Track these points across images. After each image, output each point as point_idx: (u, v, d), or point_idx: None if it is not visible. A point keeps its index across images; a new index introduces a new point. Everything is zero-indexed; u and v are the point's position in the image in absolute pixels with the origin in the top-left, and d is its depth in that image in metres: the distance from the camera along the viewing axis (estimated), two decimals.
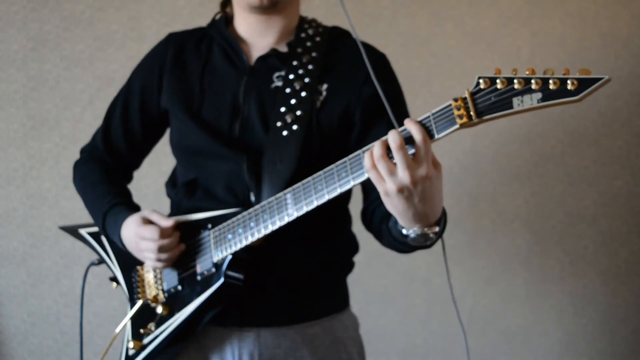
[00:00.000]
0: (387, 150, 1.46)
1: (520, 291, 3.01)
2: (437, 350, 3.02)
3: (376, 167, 1.47)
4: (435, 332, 3.01)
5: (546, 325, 3.00)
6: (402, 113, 1.94)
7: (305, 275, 1.83)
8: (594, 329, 2.99)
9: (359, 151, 1.54)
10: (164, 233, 1.83)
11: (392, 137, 1.44)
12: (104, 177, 2.04)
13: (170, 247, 1.84)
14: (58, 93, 3.01)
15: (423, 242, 1.58)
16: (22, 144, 3.02)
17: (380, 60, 1.96)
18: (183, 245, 1.87)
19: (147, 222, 1.86)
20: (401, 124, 1.49)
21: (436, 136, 1.42)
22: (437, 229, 1.57)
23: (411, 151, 1.46)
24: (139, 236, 1.84)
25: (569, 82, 1.24)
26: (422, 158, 1.45)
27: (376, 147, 1.47)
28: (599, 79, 1.22)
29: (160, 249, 1.83)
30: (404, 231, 1.59)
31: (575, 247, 2.97)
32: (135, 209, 1.98)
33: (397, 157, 1.43)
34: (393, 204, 1.50)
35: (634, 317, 2.97)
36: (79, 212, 2.96)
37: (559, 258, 2.98)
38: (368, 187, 1.91)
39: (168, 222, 1.85)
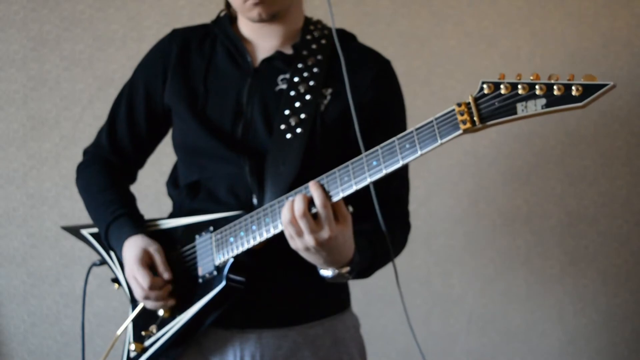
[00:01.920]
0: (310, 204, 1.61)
1: (520, 291, 3.01)
2: (437, 350, 3.02)
3: (293, 224, 1.60)
4: (435, 332, 3.01)
5: (546, 325, 3.00)
6: (399, 124, 1.96)
7: (306, 276, 1.82)
8: (594, 329, 2.99)
9: (362, 155, 1.55)
10: (154, 284, 1.83)
11: (297, 205, 1.59)
12: (108, 181, 2.03)
13: (157, 299, 1.84)
14: (58, 93, 3.00)
15: (341, 280, 1.73)
16: (22, 144, 3.02)
17: (384, 67, 1.96)
18: (172, 301, 1.86)
19: (148, 260, 1.86)
20: (396, 134, 1.51)
21: (439, 141, 1.42)
22: (347, 269, 1.70)
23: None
24: (132, 274, 1.84)
25: (573, 88, 1.24)
26: (324, 222, 1.59)
27: (297, 205, 1.60)
28: (604, 85, 1.21)
29: (146, 297, 1.84)
30: (320, 272, 1.73)
31: (575, 247, 2.97)
32: (140, 220, 1.97)
33: (302, 224, 1.58)
34: (303, 256, 1.67)
35: (634, 317, 2.97)
36: (79, 212, 2.95)
37: (559, 258, 2.98)
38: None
39: (165, 275, 1.85)
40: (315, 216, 1.59)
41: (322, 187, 1.59)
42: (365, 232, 1.78)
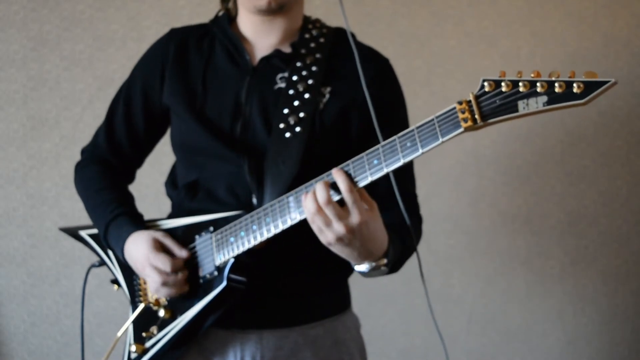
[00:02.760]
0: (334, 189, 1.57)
1: (520, 291, 3.01)
2: (437, 350, 3.00)
3: (319, 214, 1.55)
4: (435, 332, 3.00)
5: (546, 325, 3.00)
6: (400, 121, 1.95)
7: (307, 276, 1.83)
8: (594, 329, 2.99)
9: (362, 154, 1.54)
10: (175, 265, 1.80)
11: (319, 194, 1.54)
12: (106, 181, 2.02)
13: (175, 284, 1.81)
14: (58, 93, 3.00)
15: (378, 274, 1.69)
16: (22, 144, 3.01)
17: (384, 65, 1.96)
18: (187, 287, 1.84)
19: (160, 246, 1.84)
20: (398, 131, 1.51)
21: (440, 139, 1.41)
22: (385, 260, 1.66)
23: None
24: (150, 262, 1.81)
25: (574, 85, 1.23)
26: (352, 207, 1.53)
27: (319, 193, 1.55)
28: (605, 82, 1.21)
29: (165, 284, 1.81)
30: (356, 268, 1.68)
31: (575, 247, 2.98)
32: (139, 219, 1.96)
33: (328, 212, 1.53)
34: (336, 250, 1.60)
35: (634, 317, 2.97)
36: (78, 213, 2.95)
37: (559, 258, 2.99)
38: None
39: (182, 253, 1.83)
40: (342, 203, 1.55)
41: (345, 172, 1.55)
42: (388, 225, 1.74)
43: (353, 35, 1.99)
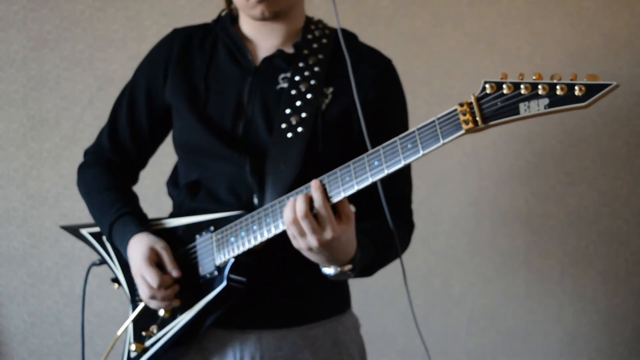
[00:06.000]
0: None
1: (520, 291, 3.01)
2: (437, 350, 3.01)
3: (295, 224, 1.59)
4: (435, 332, 3.01)
5: (546, 325, 3.00)
6: (400, 123, 1.95)
7: (307, 277, 1.82)
8: (594, 329, 2.99)
9: (363, 155, 1.55)
10: (163, 282, 1.81)
11: (299, 206, 1.58)
12: (110, 182, 2.01)
13: (163, 299, 1.82)
14: (58, 93, 3.00)
15: (343, 278, 1.72)
16: (22, 144, 3.01)
17: (386, 67, 1.95)
18: (177, 302, 1.85)
19: (155, 258, 1.84)
20: (398, 133, 1.51)
21: (441, 141, 1.41)
22: (350, 266, 1.68)
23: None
24: (140, 273, 1.82)
25: (576, 88, 1.23)
26: (325, 221, 1.57)
27: (298, 205, 1.59)
28: (607, 85, 1.21)
29: (153, 297, 1.82)
30: (323, 270, 1.71)
31: (575, 247, 2.97)
32: (143, 218, 1.96)
33: (304, 225, 1.57)
34: (306, 255, 1.65)
35: (634, 317, 2.97)
36: (79, 213, 2.95)
37: (559, 258, 2.98)
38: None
39: (174, 272, 1.83)
40: (318, 216, 1.58)
41: (322, 187, 1.59)
42: (367, 231, 1.77)
43: (355, 37, 1.99)
